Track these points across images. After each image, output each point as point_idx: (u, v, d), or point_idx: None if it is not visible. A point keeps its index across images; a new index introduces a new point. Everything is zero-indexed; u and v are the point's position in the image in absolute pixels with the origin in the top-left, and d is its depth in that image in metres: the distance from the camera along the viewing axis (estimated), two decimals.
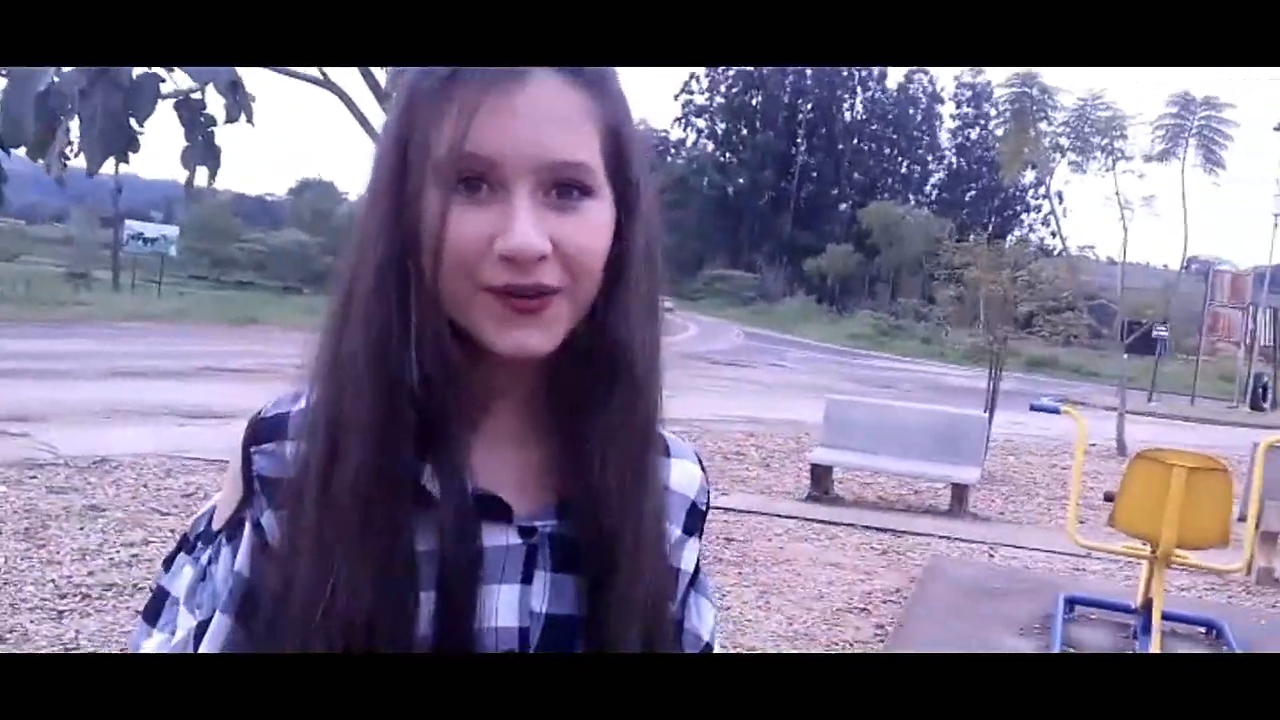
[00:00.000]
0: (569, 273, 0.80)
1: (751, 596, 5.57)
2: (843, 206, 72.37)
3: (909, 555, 6.91)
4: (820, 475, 8.76)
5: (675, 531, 0.95)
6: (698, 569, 1.00)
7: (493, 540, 0.85)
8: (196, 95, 3.02)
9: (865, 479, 9.42)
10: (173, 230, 35.82)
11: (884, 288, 56.17)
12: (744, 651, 4.65)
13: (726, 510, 7.70)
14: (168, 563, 0.91)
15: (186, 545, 0.90)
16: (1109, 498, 5.27)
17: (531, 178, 0.78)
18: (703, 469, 1.01)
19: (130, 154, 2.95)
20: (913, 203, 66.50)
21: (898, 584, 6.11)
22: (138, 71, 2.84)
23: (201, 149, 3.00)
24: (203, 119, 3.03)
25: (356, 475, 0.80)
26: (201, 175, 3.16)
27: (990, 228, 61.89)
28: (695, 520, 0.99)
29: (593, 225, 0.81)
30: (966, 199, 70.49)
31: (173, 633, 0.86)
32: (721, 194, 71.19)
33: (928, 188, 73.94)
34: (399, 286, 0.80)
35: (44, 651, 3.95)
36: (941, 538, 7.54)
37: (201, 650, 0.83)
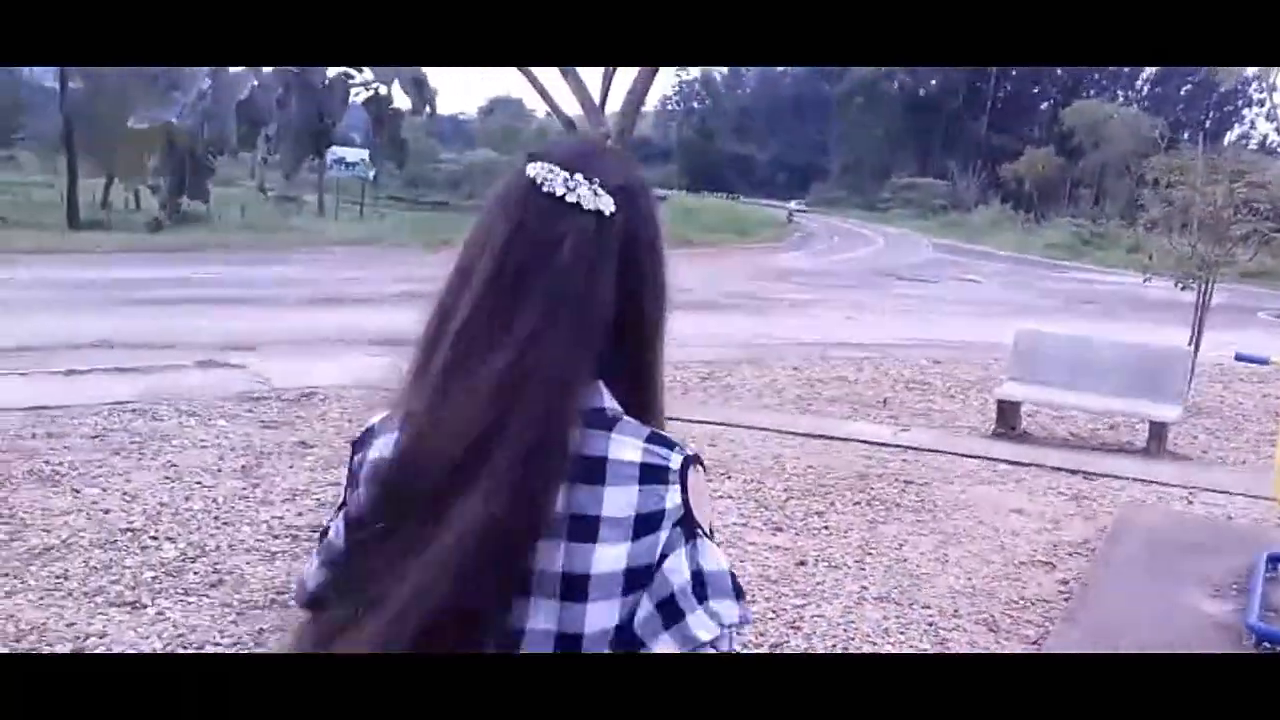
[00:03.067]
0: None
1: (929, 547, 5.50)
2: (1043, 105, 68.66)
3: (1100, 501, 6.65)
4: (1007, 410, 8.49)
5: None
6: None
7: None
8: (384, 90, 3.11)
9: (1056, 414, 9.07)
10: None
11: (1087, 193, 53.23)
12: (918, 607, 4.63)
13: (905, 449, 7.59)
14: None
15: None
16: None
17: None
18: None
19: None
20: (1121, 99, 62.34)
21: (1086, 534, 5.92)
22: (331, 73, 2.94)
23: (388, 144, 3.11)
24: (390, 113, 3.12)
25: None
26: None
27: (1208, 124, 57.47)
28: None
29: None
30: (1181, 93, 65.48)
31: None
32: (912, 96, 68.55)
33: (1138, 83, 69.01)
34: None
35: (255, 594, 4.31)
36: (1136, 480, 7.22)
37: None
